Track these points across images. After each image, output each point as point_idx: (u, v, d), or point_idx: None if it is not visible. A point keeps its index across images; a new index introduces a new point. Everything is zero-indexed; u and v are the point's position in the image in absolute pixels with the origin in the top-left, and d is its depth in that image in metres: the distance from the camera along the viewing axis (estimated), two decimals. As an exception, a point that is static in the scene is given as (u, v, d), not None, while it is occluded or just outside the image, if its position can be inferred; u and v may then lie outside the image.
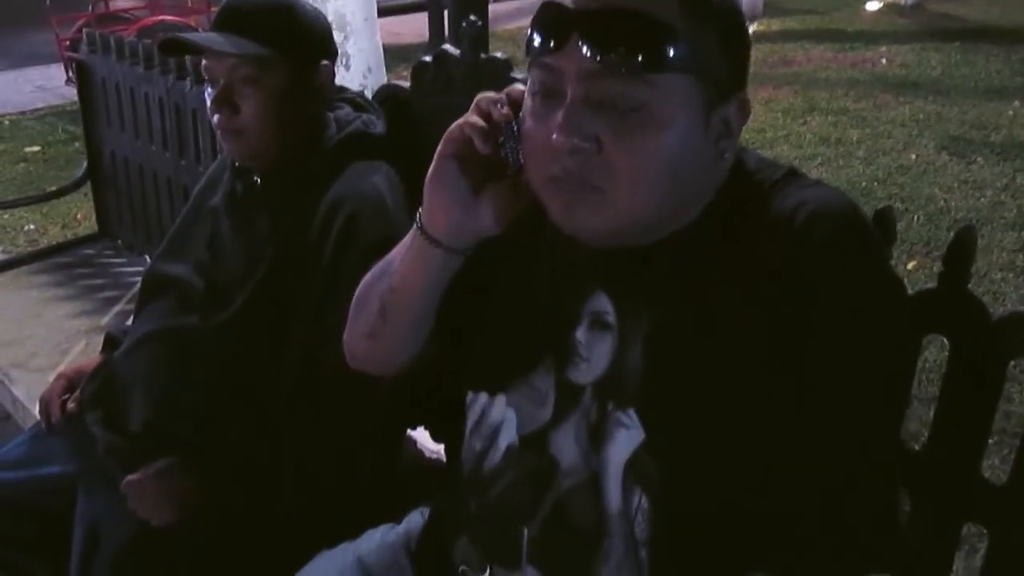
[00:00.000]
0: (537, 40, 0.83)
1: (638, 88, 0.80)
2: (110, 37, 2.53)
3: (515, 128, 0.87)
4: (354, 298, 1.08)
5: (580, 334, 0.94)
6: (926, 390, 2.18)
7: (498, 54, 1.52)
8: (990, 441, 1.08)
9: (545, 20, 0.83)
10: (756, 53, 8.08)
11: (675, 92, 0.80)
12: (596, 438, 0.92)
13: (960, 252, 1.04)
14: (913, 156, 4.82)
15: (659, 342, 0.88)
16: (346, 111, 1.49)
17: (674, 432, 0.87)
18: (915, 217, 3.97)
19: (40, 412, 1.61)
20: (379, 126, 1.50)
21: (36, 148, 5.61)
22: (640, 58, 0.78)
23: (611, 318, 0.92)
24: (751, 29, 8.08)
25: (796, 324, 0.81)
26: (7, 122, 6.38)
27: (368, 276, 1.07)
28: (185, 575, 1.35)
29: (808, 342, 0.81)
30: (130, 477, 1.35)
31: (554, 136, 0.81)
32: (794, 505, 0.85)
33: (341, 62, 5.53)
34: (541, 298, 0.98)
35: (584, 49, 0.79)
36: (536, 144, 0.85)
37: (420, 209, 0.95)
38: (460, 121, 0.90)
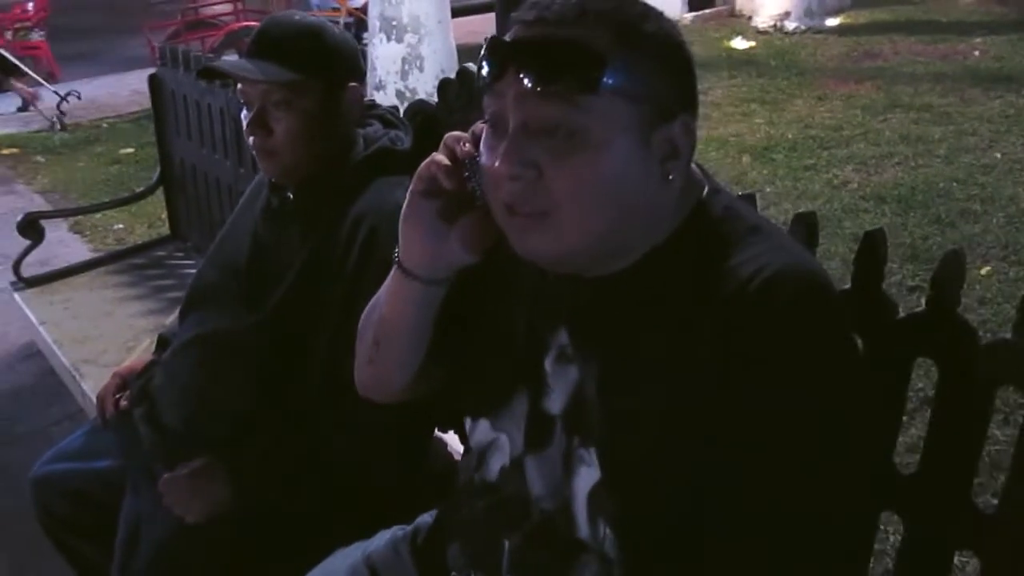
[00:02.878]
0: (483, 72, 0.87)
1: (573, 113, 0.82)
2: (179, 50, 2.67)
3: (479, 161, 0.91)
4: (358, 329, 1.13)
5: (548, 364, 0.97)
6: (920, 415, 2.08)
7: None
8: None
9: (487, 53, 0.87)
10: (839, 47, 7.74)
11: (610, 115, 0.83)
12: (566, 469, 0.95)
13: (949, 275, 1.02)
14: (998, 155, 4.61)
15: (610, 385, 0.90)
16: (375, 127, 1.56)
17: (627, 473, 0.89)
18: (994, 219, 3.81)
19: (96, 408, 1.73)
20: (406, 142, 1.55)
21: (130, 150, 5.91)
22: (571, 83, 0.82)
23: (571, 351, 0.95)
24: (836, 22, 7.68)
25: (742, 384, 0.82)
26: (105, 125, 6.73)
27: (367, 307, 1.12)
28: (216, 573, 1.43)
29: (753, 406, 0.81)
30: (166, 475, 1.44)
31: (496, 164, 0.85)
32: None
33: (415, 64, 5.65)
34: (518, 327, 1.01)
35: (520, 77, 0.83)
36: (488, 174, 0.89)
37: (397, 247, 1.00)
38: (428, 159, 0.95)
